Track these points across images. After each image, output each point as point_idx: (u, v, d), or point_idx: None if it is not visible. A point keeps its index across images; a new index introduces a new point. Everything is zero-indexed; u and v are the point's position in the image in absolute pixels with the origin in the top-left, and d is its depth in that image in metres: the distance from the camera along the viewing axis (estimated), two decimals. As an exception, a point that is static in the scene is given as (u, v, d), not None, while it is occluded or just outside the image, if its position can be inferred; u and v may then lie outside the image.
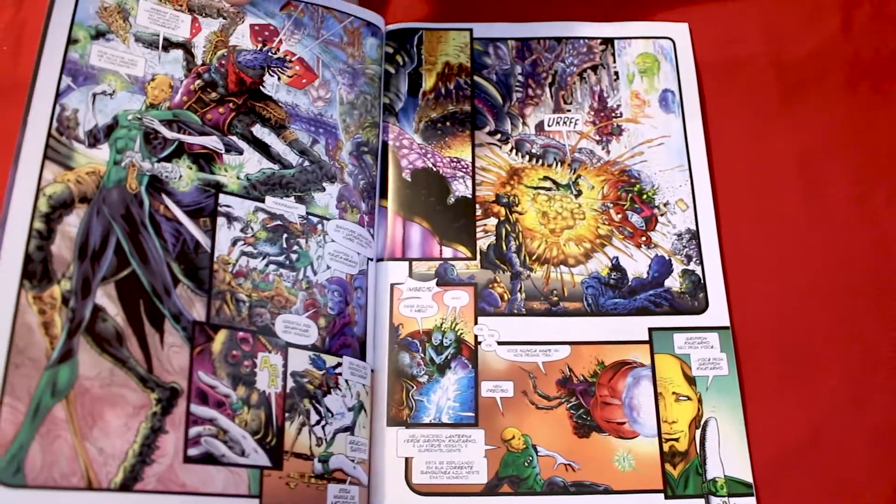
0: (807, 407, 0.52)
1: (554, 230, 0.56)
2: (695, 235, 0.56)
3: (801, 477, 0.50)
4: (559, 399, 0.52)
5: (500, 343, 0.53)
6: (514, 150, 0.58)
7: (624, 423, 0.51)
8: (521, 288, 0.54)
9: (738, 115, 0.60)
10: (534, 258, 0.55)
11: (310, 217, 0.52)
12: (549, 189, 0.57)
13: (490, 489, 0.50)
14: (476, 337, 0.53)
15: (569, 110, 0.59)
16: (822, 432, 0.52)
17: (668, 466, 0.50)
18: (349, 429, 0.49)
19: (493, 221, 0.56)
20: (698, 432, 0.51)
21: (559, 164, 0.58)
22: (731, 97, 0.61)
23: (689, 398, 0.52)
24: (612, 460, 0.50)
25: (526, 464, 0.50)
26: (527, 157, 0.58)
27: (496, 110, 0.59)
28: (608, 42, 0.61)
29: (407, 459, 0.50)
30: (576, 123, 0.59)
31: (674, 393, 0.52)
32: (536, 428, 0.51)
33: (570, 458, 0.50)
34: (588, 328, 0.53)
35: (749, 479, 0.50)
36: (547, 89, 0.60)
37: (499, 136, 0.59)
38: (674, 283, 0.55)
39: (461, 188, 0.57)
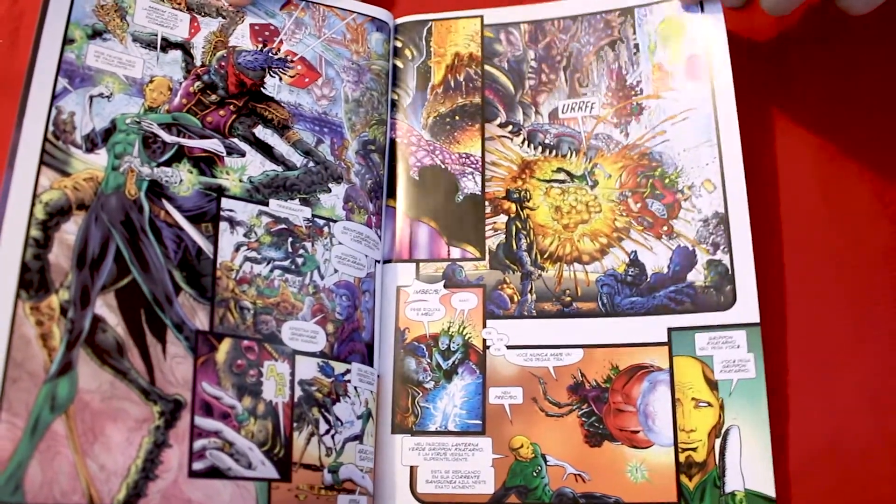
0: (825, 413, 0.49)
1: (567, 225, 0.54)
2: (723, 220, 0.51)
3: (827, 491, 0.48)
4: (570, 406, 0.50)
5: (509, 347, 0.51)
6: (527, 142, 0.56)
7: (638, 431, 0.49)
8: (531, 288, 0.53)
9: (768, 79, 0.56)
10: (545, 256, 0.53)
11: (316, 219, 0.51)
12: (562, 181, 0.55)
13: (497, 500, 0.49)
14: (484, 341, 0.52)
15: (584, 94, 0.56)
16: (840, 440, 0.49)
17: (683, 478, 0.48)
18: (358, 437, 0.48)
19: (502, 219, 0.54)
20: (718, 441, 0.48)
21: (574, 153, 0.55)
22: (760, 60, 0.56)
23: (709, 404, 0.48)
24: (624, 471, 0.48)
25: (534, 474, 0.49)
26: (539, 149, 0.55)
27: (507, 100, 0.57)
28: (627, 12, 0.57)
29: (412, 468, 0.49)
30: (592, 108, 0.55)
31: (693, 399, 0.49)
32: (546, 436, 0.50)
33: (581, 468, 0.49)
34: (602, 330, 0.51)
35: (772, 493, 0.46)
36: (561, 73, 0.57)
37: (510, 127, 0.56)
38: (697, 276, 0.51)
39: (470, 185, 0.55)
